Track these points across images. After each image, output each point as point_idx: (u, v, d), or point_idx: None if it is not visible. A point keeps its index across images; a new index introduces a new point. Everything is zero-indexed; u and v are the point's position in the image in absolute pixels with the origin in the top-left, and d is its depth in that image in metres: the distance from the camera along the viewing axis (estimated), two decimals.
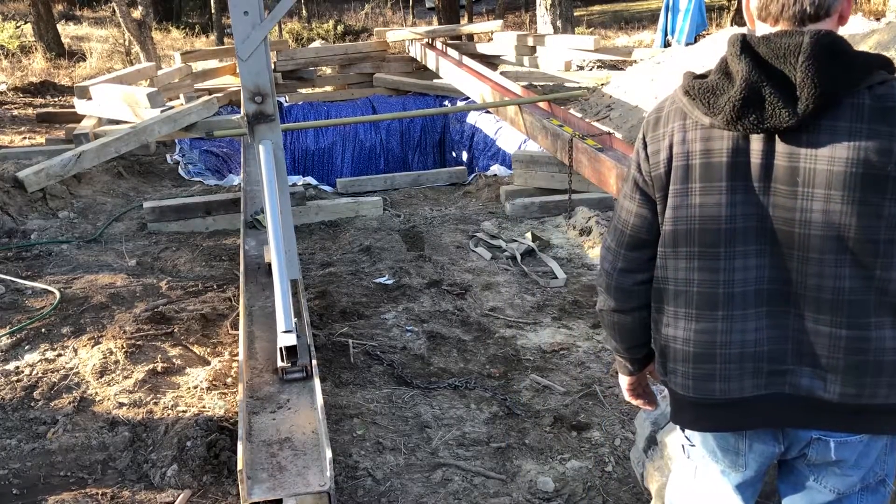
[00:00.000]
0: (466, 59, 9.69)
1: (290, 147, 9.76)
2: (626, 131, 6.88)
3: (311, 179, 7.16)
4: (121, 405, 3.27)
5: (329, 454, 2.46)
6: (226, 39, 16.76)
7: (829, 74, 1.33)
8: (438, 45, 10.87)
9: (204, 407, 3.25)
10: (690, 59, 7.90)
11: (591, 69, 10.10)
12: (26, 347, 3.82)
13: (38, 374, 3.54)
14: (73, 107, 8.68)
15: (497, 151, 8.69)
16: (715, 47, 7.88)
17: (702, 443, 1.66)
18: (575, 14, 15.76)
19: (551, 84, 9.44)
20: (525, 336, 3.99)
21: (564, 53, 10.00)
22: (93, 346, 3.76)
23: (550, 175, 6.11)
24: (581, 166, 5.52)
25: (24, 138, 8.55)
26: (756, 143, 1.42)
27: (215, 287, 4.55)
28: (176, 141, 7.92)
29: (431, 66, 10.13)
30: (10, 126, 9.19)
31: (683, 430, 1.72)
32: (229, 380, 3.50)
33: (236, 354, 3.58)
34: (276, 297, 3.11)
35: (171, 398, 3.32)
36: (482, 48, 11.44)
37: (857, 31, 7.01)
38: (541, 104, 6.98)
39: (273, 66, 9.70)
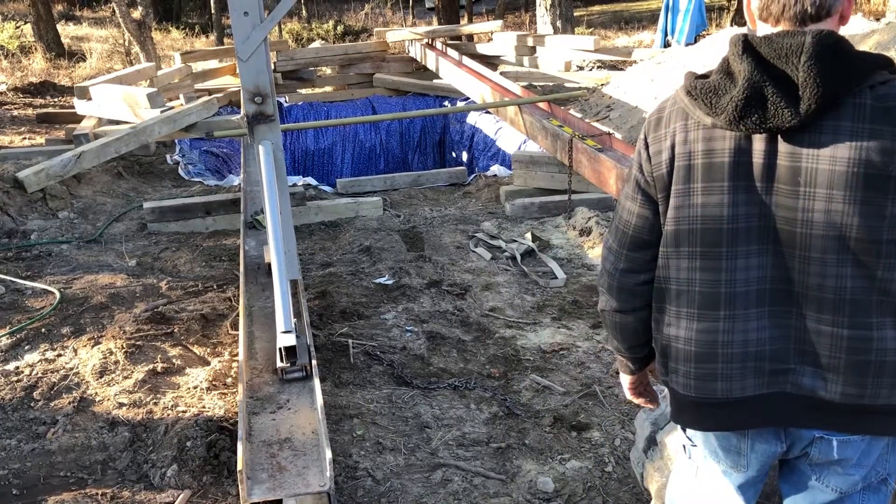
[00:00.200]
0: (466, 60, 9.69)
1: (290, 147, 9.77)
2: (626, 131, 6.89)
3: (311, 179, 7.17)
4: (121, 405, 3.27)
5: (329, 454, 2.47)
6: (226, 40, 16.76)
7: (831, 74, 1.34)
8: (438, 45, 10.87)
9: (204, 407, 3.25)
10: (690, 59, 7.90)
11: (590, 69, 10.11)
12: (26, 347, 3.82)
13: (38, 374, 3.54)
14: (73, 107, 8.68)
15: (497, 152, 8.69)
16: (715, 47, 7.89)
17: (703, 443, 1.65)
18: (575, 14, 15.76)
19: (551, 84, 9.44)
20: (525, 336, 3.99)
21: (564, 54, 10.00)
22: (93, 347, 3.76)
23: (550, 175, 6.11)
24: (581, 166, 5.52)
25: (24, 138, 8.55)
26: (758, 143, 1.42)
27: (215, 287, 4.55)
28: (176, 141, 7.92)
29: (431, 66, 10.13)
30: (10, 126, 9.19)
31: (685, 431, 1.71)
32: (229, 380, 3.50)
33: (236, 354, 3.58)
34: (276, 298, 3.11)
35: (171, 398, 3.32)
36: (482, 48, 11.44)
37: (857, 31, 7.01)
38: (541, 104, 6.98)
39: (273, 67, 9.70)
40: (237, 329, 3.65)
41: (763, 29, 1.45)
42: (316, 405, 2.82)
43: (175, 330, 3.93)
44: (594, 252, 5.05)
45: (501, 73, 9.29)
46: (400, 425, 3.21)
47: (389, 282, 4.64)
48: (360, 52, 11.39)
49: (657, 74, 7.95)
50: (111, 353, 3.67)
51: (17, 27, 16.11)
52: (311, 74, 11.14)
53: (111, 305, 4.23)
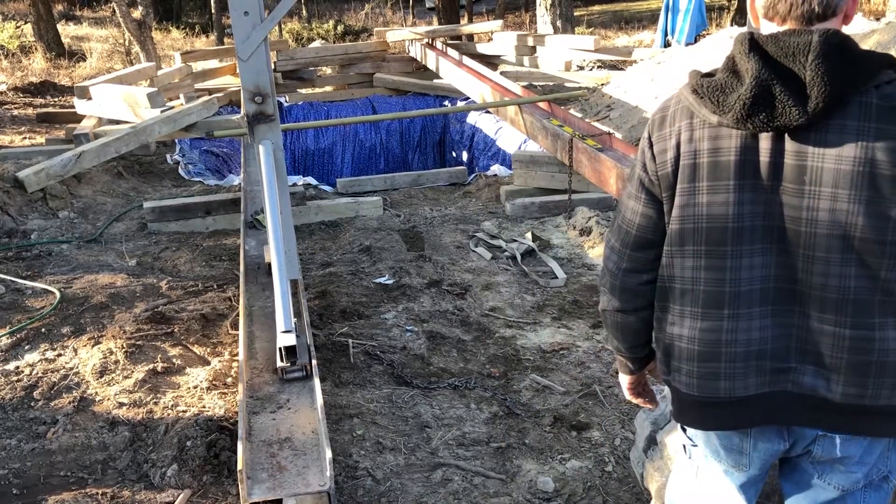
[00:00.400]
0: (466, 59, 9.69)
1: (290, 147, 9.77)
2: (626, 131, 6.89)
3: (311, 179, 7.16)
4: (121, 405, 3.27)
5: (329, 454, 2.47)
6: (226, 39, 16.77)
7: (838, 73, 1.34)
8: (438, 45, 10.87)
9: (204, 407, 3.25)
10: (690, 59, 7.90)
11: (591, 69, 10.11)
12: (26, 347, 3.82)
13: (38, 373, 3.54)
14: (73, 107, 8.68)
15: (497, 151, 8.69)
16: (715, 47, 7.89)
17: (705, 442, 1.65)
18: (575, 14, 15.76)
19: (551, 84, 9.45)
20: (525, 336, 3.99)
21: (564, 53, 10.00)
22: (93, 346, 3.76)
23: (550, 175, 6.11)
24: (581, 166, 5.52)
25: (24, 138, 8.56)
26: (764, 141, 1.42)
27: (215, 287, 4.55)
28: (176, 141, 7.92)
29: (431, 66, 10.13)
30: (10, 126, 9.19)
31: (685, 430, 1.71)
32: (229, 380, 3.50)
33: (236, 354, 3.58)
34: (276, 297, 3.11)
35: (171, 398, 3.32)
36: (482, 48, 11.44)
37: (857, 30, 7.01)
38: (541, 104, 6.98)
39: (273, 66, 9.70)
40: (237, 329, 3.65)
41: (767, 27, 1.45)
42: (316, 405, 2.82)
43: (175, 330, 3.93)
44: (594, 252, 5.05)
45: (501, 73, 9.29)
46: (400, 425, 3.21)
47: (389, 281, 4.64)
48: (361, 51, 11.39)
49: (657, 74, 7.95)
50: (111, 352, 3.67)
51: (18, 27, 16.12)
52: (311, 74, 11.14)
53: (111, 305, 4.23)
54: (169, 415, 3.18)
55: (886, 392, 1.44)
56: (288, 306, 3.04)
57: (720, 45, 7.89)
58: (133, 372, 3.52)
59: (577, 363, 3.71)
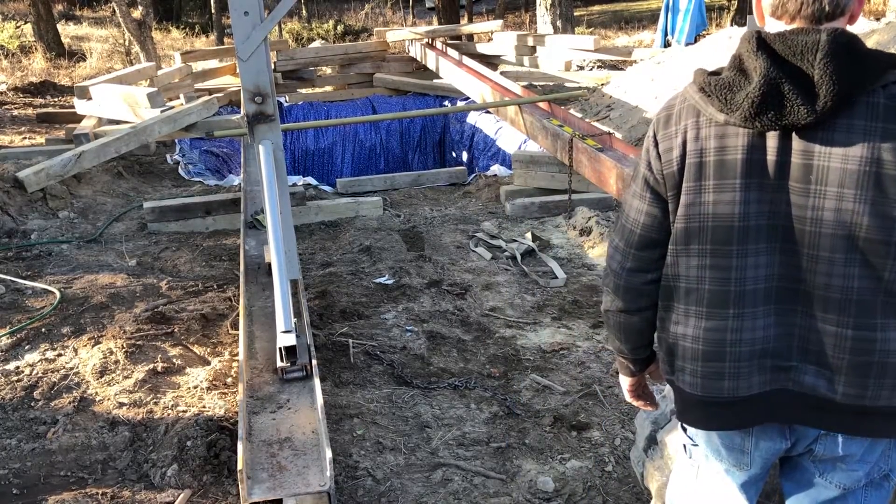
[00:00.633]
0: (466, 59, 9.69)
1: (290, 147, 9.77)
2: (626, 131, 6.89)
3: (311, 179, 7.16)
4: (121, 405, 3.27)
5: (329, 454, 2.47)
6: (226, 39, 16.77)
7: (846, 72, 1.33)
8: (438, 45, 10.87)
9: (204, 407, 3.25)
10: (690, 59, 7.91)
11: (591, 69, 10.11)
12: (26, 347, 3.82)
13: (38, 373, 3.54)
14: (73, 107, 8.68)
15: (497, 151, 8.69)
16: (715, 47, 7.89)
17: (706, 442, 1.65)
18: (575, 14, 15.76)
19: (551, 84, 9.45)
20: (525, 336, 3.99)
21: (564, 53, 10.00)
22: (93, 346, 3.76)
23: (550, 175, 6.11)
24: (581, 166, 5.52)
25: (24, 138, 8.56)
26: (771, 140, 1.41)
27: (215, 287, 4.55)
28: (176, 141, 7.92)
29: (431, 66, 10.13)
30: (10, 126, 9.19)
31: (685, 430, 1.71)
32: (229, 380, 3.50)
33: (236, 354, 3.58)
34: (276, 297, 3.11)
35: (171, 398, 3.32)
36: (482, 48, 11.44)
37: (857, 31, 7.01)
38: (541, 104, 6.97)
39: (273, 66, 9.70)
40: (237, 329, 3.65)
41: (775, 26, 1.45)
42: (316, 405, 2.82)
43: (175, 330, 3.93)
44: (594, 252, 5.05)
45: (501, 73, 9.29)
46: (400, 425, 3.21)
47: (389, 281, 4.64)
48: (360, 51, 11.39)
49: (657, 74, 7.95)
50: (111, 352, 3.67)
51: (18, 27, 16.12)
52: (311, 74, 11.14)
53: (111, 305, 4.23)
54: (169, 415, 3.18)
55: (886, 393, 1.44)
56: (288, 306, 3.04)
57: (720, 45, 7.89)
58: (133, 372, 3.52)
59: (577, 363, 3.71)
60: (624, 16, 19.73)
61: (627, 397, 1.88)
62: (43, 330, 3.97)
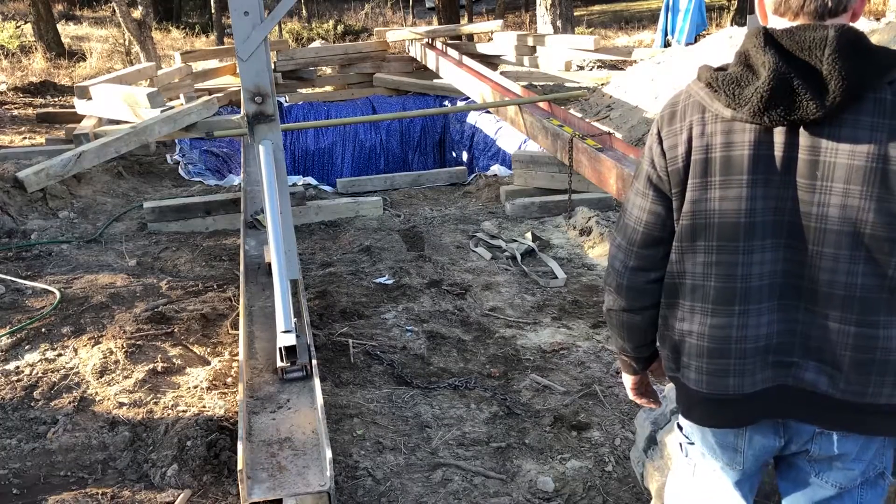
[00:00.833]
0: (466, 59, 9.69)
1: (290, 147, 9.76)
2: (626, 131, 6.89)
3: (311, 179, 7.16)
4: (121, 405, 3.27)
5: (329, 454, 2.47)
6: (226, 39, 16.77)
7: (854, 68, 1.33)
8: (438, 45, 10.87)
9: (204, 407, 3.25)
10: (690, 59, 7.90)
11: (591, 69, 10.11)
12: (26, 347, 3.82)
13: (38, 373, 3.54)
14: (73, 107, 8.68)
15: (497, 151, 8.69)
16: (715, 47, 7.88)
17: (701, 440, 1.65)
18: (575, 14, 15.76)
19: (551, 84, 9.44)
20: (525, 336, 3.99)
21: (564, 53, 10.00)
22: (93, 346, 3.76)
23: (550, 175, 6.11)
24: (581, 166, 5.52)
25: (24, 138, 8.56)
26: (778, 136, 1.41)
27: (215, 287, 4.55)
28: (176, 141, 7.92)
29: (431, 66, 10.12)
30: (10, 126, 9.19)
31: (682, 429, 1.71)
32: (229, 380, 3.50)
33: (236, 354, 3.58)
34: (276, 297, 3.11)
35: (172, 398, 3.32)
36: (482, 48, 11.44)
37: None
38: (541, 104, 6.97)
39: (273, 66, 9.70)
40: (237, 329, 3.65)
41: (778, 23, 1.44)
42: (316, 405, 2.82)
43: (175, 330, 3.93)
44: (594, 252, 5.05)
45: (501, 73, 9.29)
46: (400, 425, 3.21)
47: (389, 281, 4.64)
48: (360, 51, 11.39)
49: (657, 74, 7.95)
50: (111, 352, 3.67)
51: (18, 27, 16.11)
52: (311, 74, 11.14)
53: (111, 305, 4.23)
54: (169, 415, 3.18)
55: (887, 391, 1.44)
56: (288, 306, 3.04)
57: (720, 45, 7.89)
58: (133, 372, 3.52)
59: (577, 363, 3.71)
60: (624, 16, 19.73)
61: (631, 395, 1.88)
62: (43, 330, 3.97)
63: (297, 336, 3.00)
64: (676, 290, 1.56)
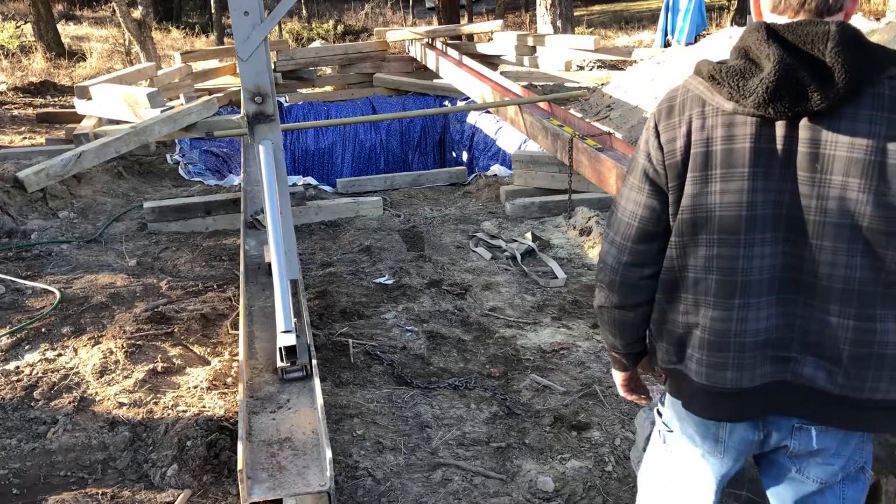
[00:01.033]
0: (466, 59, 9.69)
1: (290, 147, 9.76)
2: (626, 131, 6.89)
3: (311, 179, 7.16)
4: (121, 405, 3.27)
5: (329, 454, 2.47)
6: (226, 39, 16.77)
7: (856, 61, 1.35)
8: (438, 45, 10.87)
9: (204, 407, 3.25)
10: (690, 59, 7.90)
11: (591, 69, 10.10)
12: (26, 347, 3.82)
13: (38, 373, 3.54)
14: (73, 107, 8.68)
15: (497, 151, 8.69)
16: (715, 47, 7.88)
17: (681, 429, 1.66)
18: (575, 14, 15.76)
19: (551, 84, 9.44)
20: (525, 336, 4.00)
21: (564, 53, 10.00)
22: (93, 346, 3.76)
23: (550, 175, 6.11)
24: (581, 166, 5.52)
25: (24, 138, 8.56)
26: (780, 129, 1.42)
27: (215, 287, 4.55)
28: (176, 141, 7.92)
29: (431, 66, 10.12)
30: (10, 126, 9.19)
31: (661, 416, 1.73)
32: (229, 380, 3.50)
33: (236, 354, 3.58)
34: (276, 297, 3.11)
35: (172, 398, 3.32)
36: (482, 48, 11.44)
37: None
38: (541, 104, 6.97)
39: (273, 66, 9.70)
40: (237, 329, 3.65)
41: (777, 20, 1.45)
42: (316, 405, 2.82)
43: (175, 330, 3.93)
44: (594, 252, 5.05)
45: (502, 73, 9.29)
46: (400, 425, 3.21)
47: (389, 281, 4.64)
48: (361, 51, 11.39)
49: (657, 74, 7.95)
50: (111, 352, 3.68)
51: (18, 27, 16.11)
52: (311, 74, 11.14)
53: (111, 305, 4.23)
54: (169, 415, 3.18)
55: (884, 385, 1.45)
56: (288, 306, 3.04)
57: (720, 45, 7.88)
58: (133, 372, 3.53)
59: (577, 363, 3.71)
60: (624, 16, 19.73)
61: (621, 392, 1.88)
62: (43, 330, 3.97)
63: (297, 336, 3.00)
64: (678, 285, 1.56)
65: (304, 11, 22.08)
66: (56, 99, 11.06)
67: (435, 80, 10.28)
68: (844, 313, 1.43)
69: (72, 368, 3.58)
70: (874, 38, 6.50)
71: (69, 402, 3.29)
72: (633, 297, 1.63)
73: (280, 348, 2.96)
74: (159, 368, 3.55)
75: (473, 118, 9.53)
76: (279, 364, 3.04)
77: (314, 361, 3.07)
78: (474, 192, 6.75)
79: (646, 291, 1.62)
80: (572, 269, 4.85)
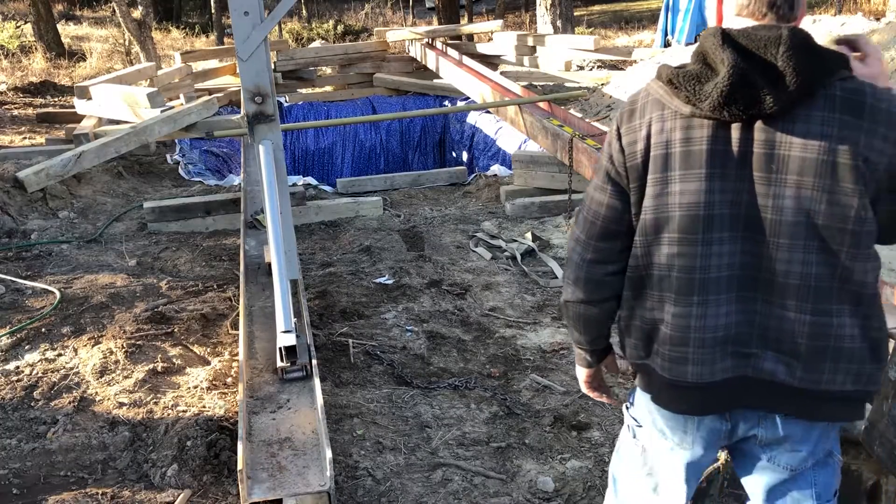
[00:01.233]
0: (466, 59, 9.69)
1: (290, 147, 9.76)
2: None
3: (311, 179, 7.16)
4: (121, 405, 3.27)
5: (329, 454, 2.47)
6: (226, 39, 16.77)
7: (807, 64, 1.40)
8: (438, 45, 10.87)
9: (204, 407, 3.25)
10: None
11: (591, 69, 10.10)
12: (26, 347, 3.82)
13: (38, 373, 3.54)
14: (73, 107, 8.68)
15: (497, 151, 8.69)
16: None
17: (651, 423, 1.69)
18: (575, 14, 15.76)
19: (551, 84, 9.45)
20: (525, 336, 4.00)
21: (564, 53, 10.00)
22: (93, 346, 3.76)
23: (550, 175, 6.11)
24: (581, 166, 5.52)
25: (24, 138, 8.56)
26: (735, 131, 1.47)
27: (215, 287, 4.55)
28: (176, 141, 7.92)
29: (431, 66, 10.13)
30: (10, 126, 9.19)
31: (629, 409, 1.77)
32: (229, 380, 3.50)
33: (236, 354, 3.58)
34: (276, 297, 3.11)
35: (171, 398, 3.32)
36: (482, 48, 11.44)
37: (858, 30, 7.00)
38: (541, 104, 6.98)
39: (273, 66, 9.70)
40: (237, 329, 3.65)
41: (739, 24, 1.50)
42: (316, 405, 2.82)
43: (175, 330, 3.93)
44: None
45: (502, 73, 9.29)
46: (400, 425, 3.21)
47: (389, 281, 4.64)
48: (360, 51, 11.39)
49: None
50: (111, 352, 3.68)
51: (18, 27, 16.11)
52: (311, 74, 11.14)
53: (111, 305, 4.23)
54: (169, 415, 3.18)
55: (840, 377, 1.49)
56: (288, 306, 3.04)
57: None
58: (133, 372, 3.53)
59: None
60: (624, 16, 19.73)
61: (584, 389, 1.92)
62: (43, 330, 3.97)
63: (297, 336, 3.00)
64: (644, 282, 1.61)
65: (304, 11, 22.09)
66: (56, 99, 11.06)
67: (435, 80, 10.28)
68: (801, 308, 1.47)
69: (72, 368, 3.58)
70: (874, 39, 6.50)
71: (69, 402, 3.29)
72: (598, 292, 1.68)
73: (280, 348, 2.96)
74: (159, 368, 3.55)
75: (473, 118, 9.53)
76: (279, 364, 3.04)
77: (314, 361, 3.07)
78: (474, 192, 6.75)
79: (610, 287, 1.66)
80: None
